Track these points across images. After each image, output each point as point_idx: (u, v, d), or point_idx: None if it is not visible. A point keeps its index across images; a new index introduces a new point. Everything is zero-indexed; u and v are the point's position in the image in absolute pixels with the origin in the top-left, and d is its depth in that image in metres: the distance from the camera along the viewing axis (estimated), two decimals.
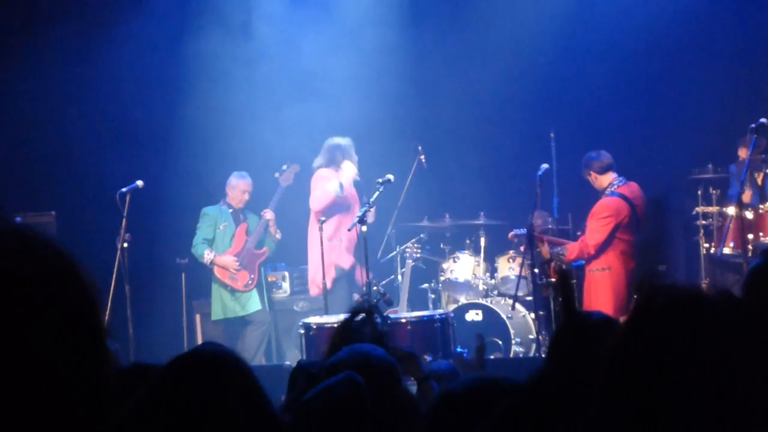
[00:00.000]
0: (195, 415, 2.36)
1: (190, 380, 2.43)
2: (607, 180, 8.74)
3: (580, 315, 2.45)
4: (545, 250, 8.83)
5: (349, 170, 9.20)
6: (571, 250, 8.70)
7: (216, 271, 9.67)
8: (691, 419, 1.66)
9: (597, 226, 8.60)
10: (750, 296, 2.04)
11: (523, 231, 8.89)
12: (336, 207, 9.21)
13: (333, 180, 9.12)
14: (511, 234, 9.27)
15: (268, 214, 9.75)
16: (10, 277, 0.91)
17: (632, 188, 8.75)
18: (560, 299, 2.44)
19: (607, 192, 8.72)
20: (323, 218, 8.86)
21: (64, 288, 0.95)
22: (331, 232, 9.17)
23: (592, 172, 8.79)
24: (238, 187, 9.81)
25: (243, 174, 9.87)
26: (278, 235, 9.85)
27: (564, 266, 8.51)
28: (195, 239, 9.73)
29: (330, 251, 9.06)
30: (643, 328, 1.74)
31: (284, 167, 9.84)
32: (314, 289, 9.37)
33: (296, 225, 9.88)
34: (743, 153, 8.92)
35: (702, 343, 1.69)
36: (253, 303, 9.70)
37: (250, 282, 9.69)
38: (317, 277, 8.95)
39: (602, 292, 8.57)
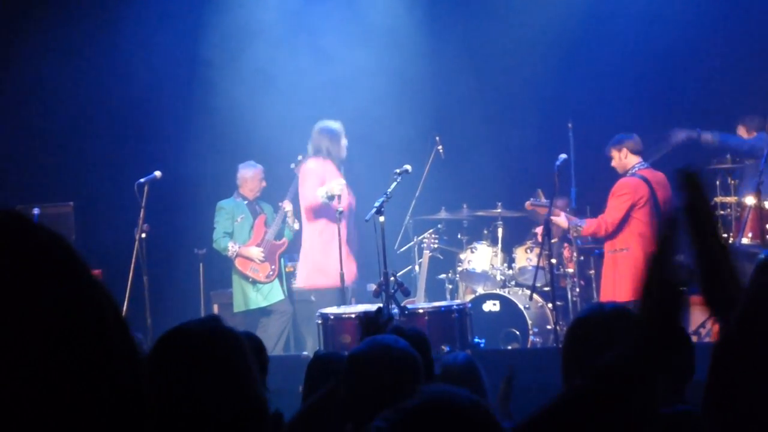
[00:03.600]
0: (173, 396, 2.28)
1: (169, 360, 2.36)
2: (632, 162, 8.77)
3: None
4: (562, 220, 8.83)
5: (335, 186, 8.80)
6: (589, 224, 8.79)
7: (237, 263, 9.67)
8: None
9: (615, 203, 8.67)
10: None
11: (539, 201, 8.92)
12: (327, 211, 9.05)
13: (326, 184, 8.92)
14: (527, 203, 9.17)
15: (287, 205, 9.74)
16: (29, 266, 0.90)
17: (656, 175, 8.75)
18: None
19: (628, 173, 8.76)
20: (341, 208, 8.85)
21: (79, 277, 0.94)
22: (321, 233, 9.12)
23: (624, 149, 8.78)
24: (255, 176, 9.82)
25: (251, 163, 9.87)
26: (296, 226, 9.84)
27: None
28: (215, 234, 9.72)
29: (321, 251, 9.06)
30: None
31: (299, 158, 9.81)
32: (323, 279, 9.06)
33: None
34: (741, 131, 9.07)
35: None
36: (276, 293, 9.73)
37: (271, 273, 9.71)
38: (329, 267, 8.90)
39: (620, 273, 8.58)
